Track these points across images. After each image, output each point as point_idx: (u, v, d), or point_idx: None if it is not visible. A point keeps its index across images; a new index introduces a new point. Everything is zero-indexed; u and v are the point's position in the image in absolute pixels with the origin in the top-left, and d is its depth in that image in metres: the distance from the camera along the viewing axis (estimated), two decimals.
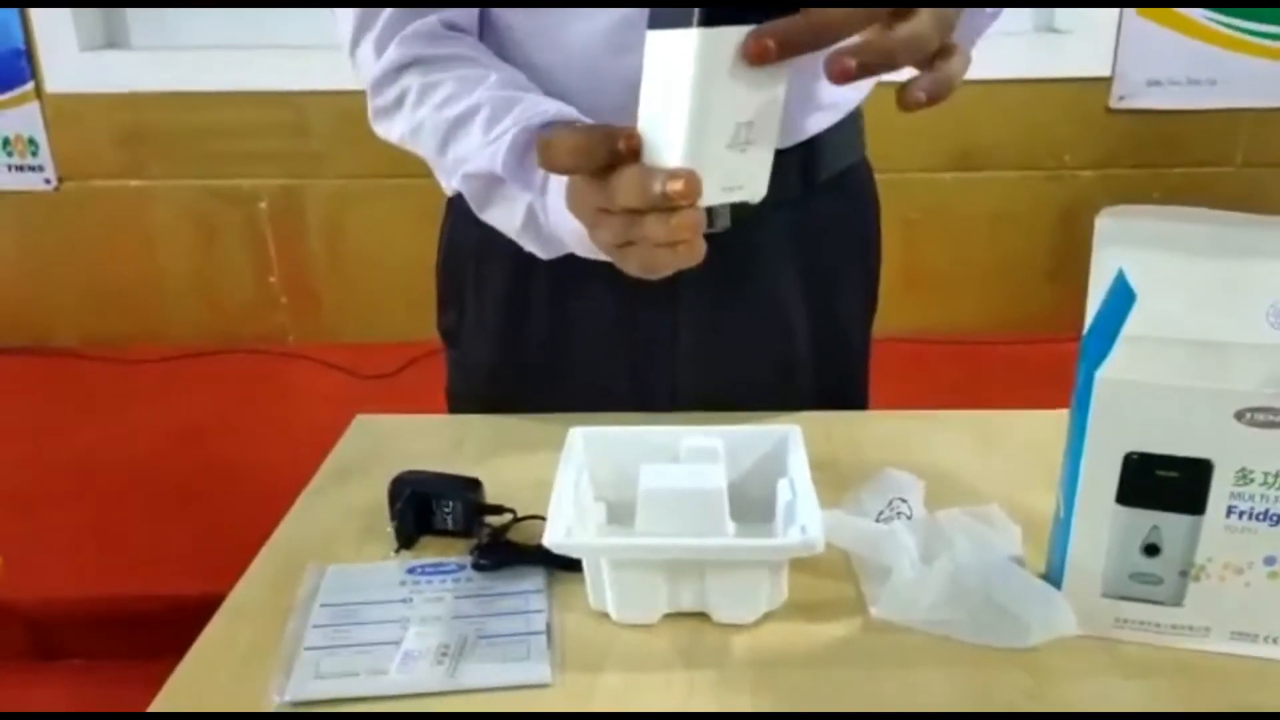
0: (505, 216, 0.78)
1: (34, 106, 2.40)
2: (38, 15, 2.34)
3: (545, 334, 0.92)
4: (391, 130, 0.82)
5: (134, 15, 2.46)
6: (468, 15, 0.81)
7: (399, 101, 0.80)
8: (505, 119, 0.73)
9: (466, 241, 0.93)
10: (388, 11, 0.78)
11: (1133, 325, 0.57)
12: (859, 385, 1.03)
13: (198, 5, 2.35)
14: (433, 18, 0.79)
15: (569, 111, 0.74)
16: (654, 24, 0.54)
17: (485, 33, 0.83)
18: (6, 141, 2.43)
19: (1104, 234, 0.61)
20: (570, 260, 0.79)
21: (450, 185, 0.81)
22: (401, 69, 0.79)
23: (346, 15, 0.80)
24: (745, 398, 0.90)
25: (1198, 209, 0.60)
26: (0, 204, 2.50)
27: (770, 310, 0.92)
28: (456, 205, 0.84)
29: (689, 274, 0.63)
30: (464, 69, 0.78)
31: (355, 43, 0.81)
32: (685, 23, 0.52)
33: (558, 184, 0.71)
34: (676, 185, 0.54)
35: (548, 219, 0.74)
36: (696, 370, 0.92)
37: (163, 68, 2.39)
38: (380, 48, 0.79)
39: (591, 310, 0.90)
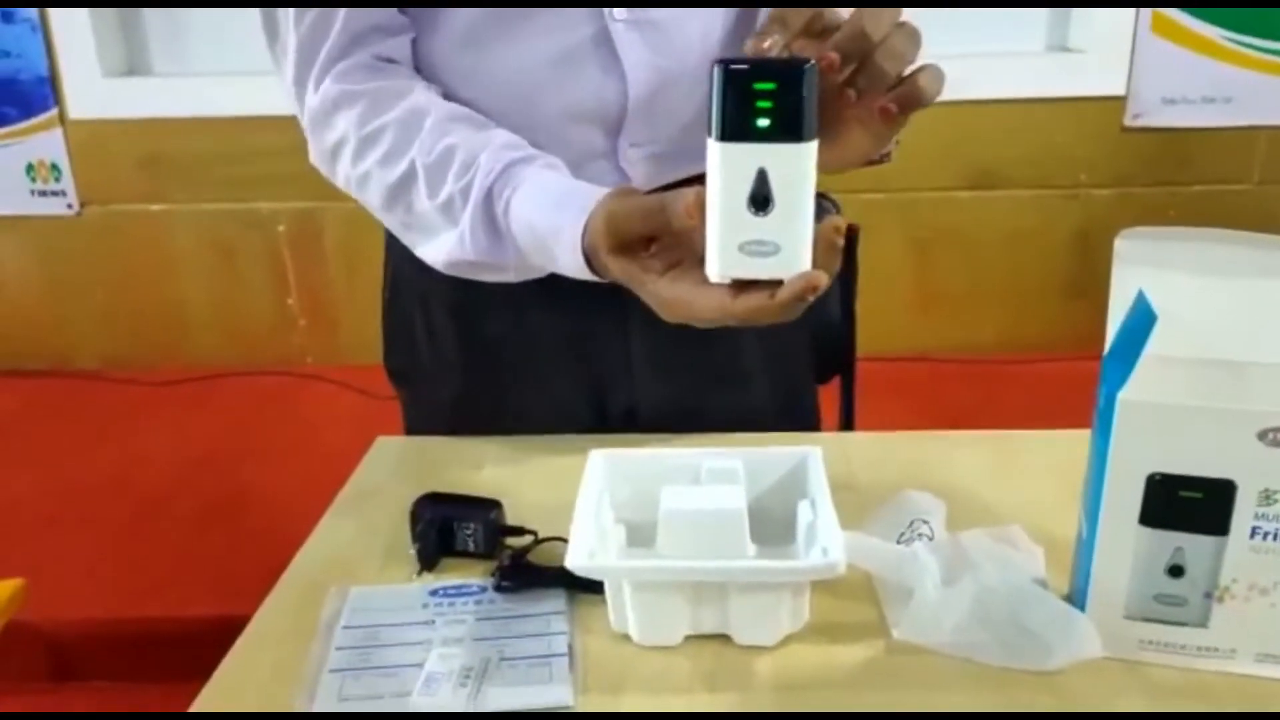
0: (499, 278, 0.80)
1: (57, 132, 2.44)
2: (61, 43, 2.38)
3: (500, 358, 0.93)
4: (335, 177, 0.83)
5: (155, 42, 2.50)
6: (402, 50, 0.81)
7: (337, 151, 0.80)
8: (447, 179, 0.75)
9: (411, 279, 0.93)
10: (325, 48, 0.78)
11: (1154, 346, 0.57)
12: (811, 392, 1.05)
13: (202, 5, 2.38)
14: (367, 54, 0.79)
15: (501, 152, 0.75)
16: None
17: (419, 70, 0.83)
18: (30, 167, 2.47)
19: (1123, 255, 0.61)
20: (519, 286, 0.81)
21: (407, 240, 0.83)
22: (337, 105, 0.79)
23: (288, 58, 0.80)
24: (700, 408, 0.91)
25: (1216, 230, 0.60)
26: (23, 229, 2.54)
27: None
28: (397, 245, 0.85)
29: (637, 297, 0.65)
30: (403, 106, 0.77)
31: (299, 82, 0.80)
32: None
33: (529, 242, 0.73)
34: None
35: (541, 267, 0.76)
36: (652, 383, 0.93)
37: (183, 94, 2.42)
38: (317, 83, 0.79)
39: (544, 330, 0.91)
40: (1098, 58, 2.33)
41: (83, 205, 2.51)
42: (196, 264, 2.56)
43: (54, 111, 2.43)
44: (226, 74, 2.40)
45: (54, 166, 2.47)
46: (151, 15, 2.47)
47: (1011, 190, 2.43)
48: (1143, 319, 0.58)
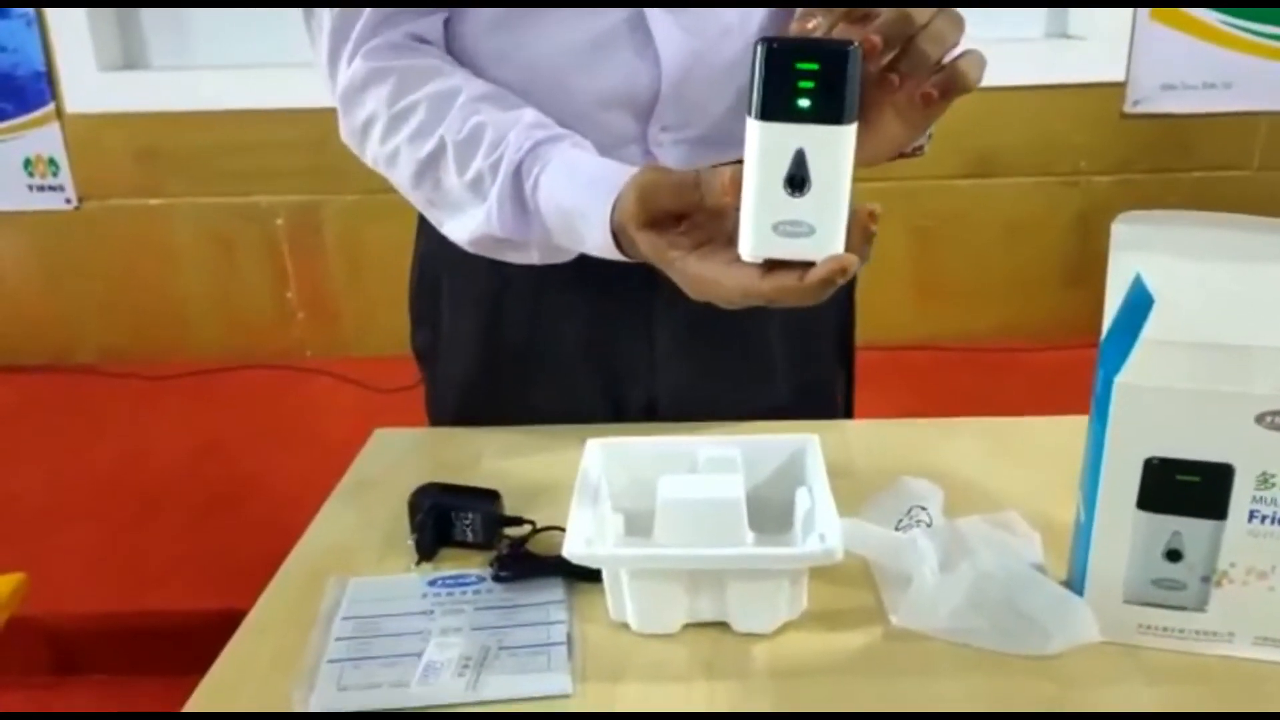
0: (522, 258, 0.80)
1: (54, 127, 2.44)
2: (58, 37, 2.37)
3: (520, 345, 0.92)
4: (364, 154, 0.83)
5: (152, 36, 2.49)
6: (434, 29, 0.81)
7: (367, 128, 0.80)
8: (476, 156, 0.75)
9: (440, 260, 0.93)
10: (358, 26, 0.78)
11: (1151, 330, 0.57)
12: (835, 386, 1.03)
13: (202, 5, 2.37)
14: (399, 32, 0.79)
15: (529, 130, 0.74)
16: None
17: (451, 50, 0.83)
18: (28, 162, 2.46)
19: (1121, 239, 0.61)
20: (544, 272, 0.80)
21: (433, 217, 0.83)
22: (367, 83, 0.79)
23: (323, 35, 0.80)
24: (721, 403, 0.90)
25: (1213, 213, 0.59)
26: (21, 224, 2.53)
27: (742, 317, 0.92)
28: (427, 225, 0.85)
29: (662, 284, 0.65)
30: (433, 84, 0.78)
31: (332, 60, 0.81)
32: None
33: (557, 221, 0.73)
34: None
35: (566, 248, 0.76)
36: (673, 377, 0.93)
37: (180, 87, 2.42)
38: (349, 60, 0.79)
39: (567, 318, 0.91)
40: (1097, 44, 2.32)
41: (81, 200, 2.50)
42: (195, 258, 2.56)
43: (51, 106, 2.42)
44: (224, 67, 2.40)
45: (51, 161, 2.46)
46: (148, 9, 2.47)
47: (1011, 178, 2.43)
48: (1140, 303, 0.58)
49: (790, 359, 0.95)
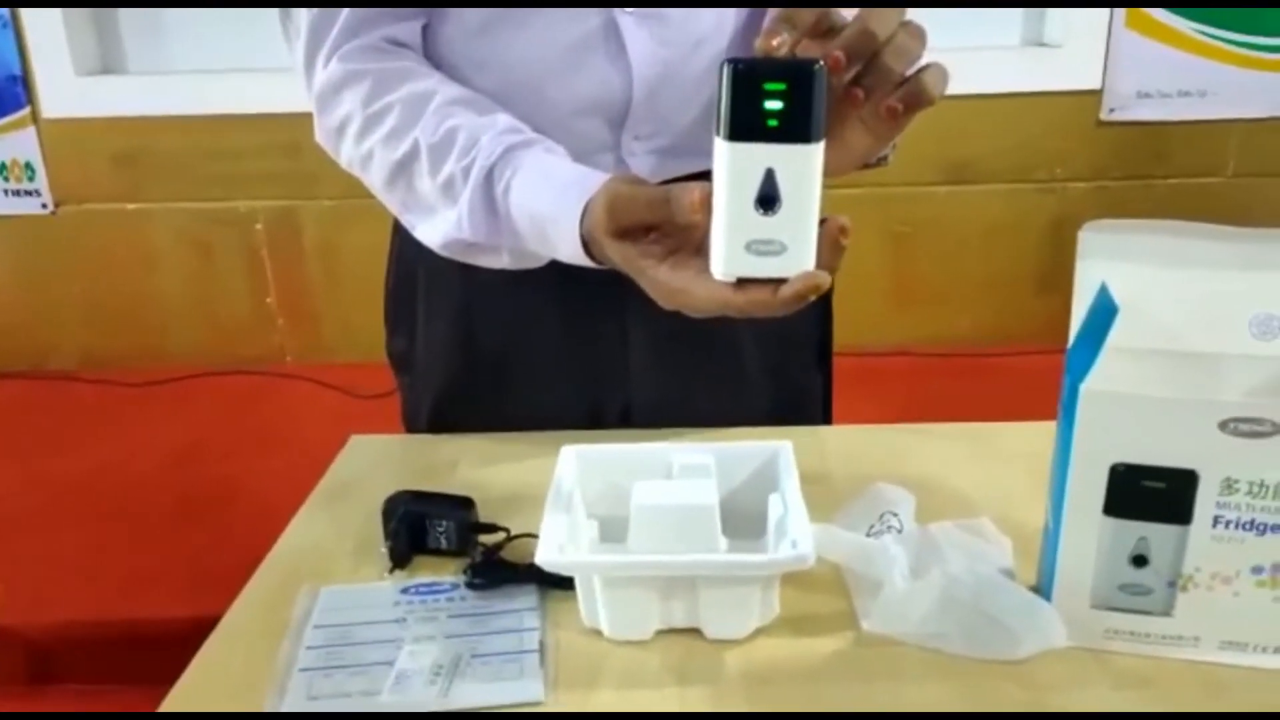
0: (493, 262, 0.80)
1: (30, 131, 2.42)
2: (34, 41, 2.35)
3: (495, 351, 0.93)
4: (339, 155, 0.83)
5: (130, 40, 2.47)
6: (412, 34, 0.81)
7: (341, 129, 0.81)
8: (449, 160, 0.75)
9: (415, 264, 0.93)
10: (335, 28, 0.79)
11: (1117, 337, 0.58)
12: (813, 394, 1.03)
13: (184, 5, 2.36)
14: (376, 35, 0.79)
15: (502, 135, 0.75)
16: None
17: (429, 56, 0.83)
18: (3, 167, 2.44)
19: (1087, 247, 0.61)
20: (519, 277, 0.80)
21: (406, 220, 0.83)
22: (342, 85, 0.79)
23: (300, 37, 0.81)
24: (698, 410, 0.90)
25: (1179, 222, 0.60)
26: None
27: (719, 323, 0.92)
28: (403, 230, 0.85)
29: (638, 291, 0.65)
30: (408, 87, 0.78)
31: (309, 60, 0.81)
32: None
33: (527, 226, 0.73)
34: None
35: (536, 253, 0.76)
36: (649, 384, 0.93)
37: (158, 92, 2.40)
38: (325, 62, 0.80)
39: (542, 324, 0.91)
40: (1073, 52, 2.34)
41: (57, 205, 2.49)
42: (173, 263, 2.54)
43: (26, 110, 2.40)
44: (201, 72, 2.38)
45: (27, 166, 2.44)
46: (125, 13, 2.45)
47: (987, 184, 2.44)
48: (1104, 311, 0.59)
49: (767, 366, 0.96)
